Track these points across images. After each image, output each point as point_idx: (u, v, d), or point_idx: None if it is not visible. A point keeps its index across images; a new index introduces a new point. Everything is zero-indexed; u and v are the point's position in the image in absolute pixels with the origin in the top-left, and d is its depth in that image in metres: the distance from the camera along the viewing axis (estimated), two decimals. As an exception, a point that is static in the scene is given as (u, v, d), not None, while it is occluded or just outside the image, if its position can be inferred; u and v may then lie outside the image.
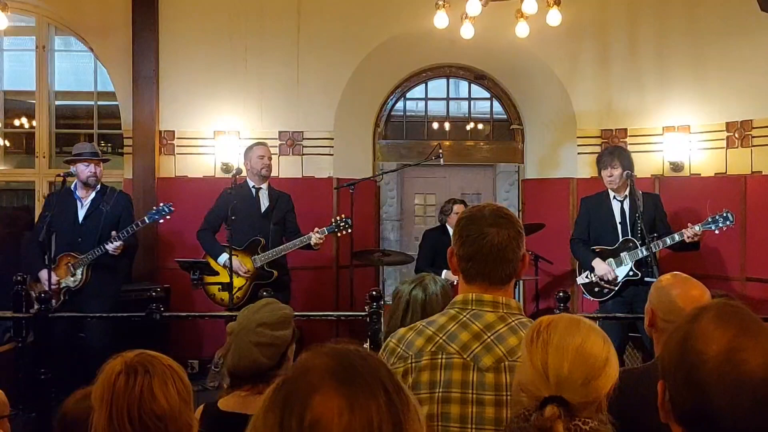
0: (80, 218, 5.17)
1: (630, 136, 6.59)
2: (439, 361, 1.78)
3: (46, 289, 4.78)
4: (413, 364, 1.80)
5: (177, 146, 6.61)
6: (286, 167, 6.63)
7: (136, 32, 6.47)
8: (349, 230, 5.42)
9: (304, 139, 6.68)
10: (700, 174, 6.31)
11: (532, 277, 6.48)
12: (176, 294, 6.04)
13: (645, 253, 4.94)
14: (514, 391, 1.51)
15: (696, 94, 6.29)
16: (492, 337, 1.78)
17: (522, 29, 5.39)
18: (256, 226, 5.36)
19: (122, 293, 5.45)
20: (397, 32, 6.62)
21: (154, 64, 6.49)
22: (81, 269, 5.07)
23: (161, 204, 5.22)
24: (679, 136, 6.37)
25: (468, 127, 7.47)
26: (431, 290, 2.69)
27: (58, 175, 5.03)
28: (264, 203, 5.47)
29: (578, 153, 6.75)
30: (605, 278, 5.07)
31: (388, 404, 0.89)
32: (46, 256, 4.84)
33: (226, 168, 6.50)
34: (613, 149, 5.40)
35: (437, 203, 7.09)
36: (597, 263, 5.11)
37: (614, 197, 5.21)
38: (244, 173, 5.46)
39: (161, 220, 5.23)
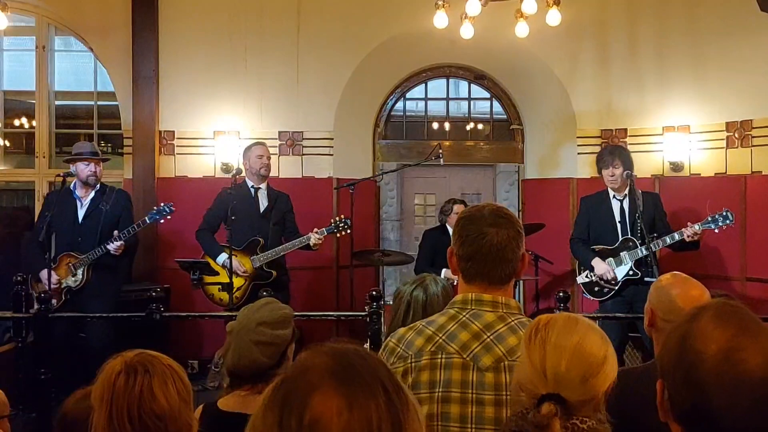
0: (80, 218, 5.17)
1: (630, 136, 6.59)
2: (439, 360, 1.78)
3: (47, 289, 4.78)
4: (413, 364, 1.80)
5: (177, 146, 6.62)
6: (286, 167, 6.63)
7: (136, 32, 6.47)
8: (348, 231, 5.42)
9: (304, 139, 6.69)
10: (700, 174, 6.31)
11: (532, 277, 6.48)
12: (176, 294, 6.04)
13: (645, 252, 4.94)
14: (513, 391, 1.51)
15: (696, 94, 6.29)
16: (491, 337, 1.78)
17: (522, 29, 5.39)
18: (255, 226, 5.36)
19: (122, 293, 5.45)
20: (397, 32, 6.62)
21: (154, 64, 6.49)
22: (82, 269, 5.07)
23: (162, 204, 5.22)
24: (679, 136, 6.37)
25: (468, 127, 7.47)
26: (432, 291, 2.69)
27: (58, 175, 5.02)
28: (263, 203, 5.47)
29: (578, 153, 6.75)
30: (605, 277, 5.07)
31: (387, 403, 0.89)
32: (46, 256, 4.84)
33: (226, 168, 6.50)
34: (614, 148, 5.41)
35: (437, 203, 7.09)
36: (596, 263, 5.11)
37: (614, 196, 5.21)
38: (243, 173, 5.46)
39: (162, 221, 5.23)
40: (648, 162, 6.45)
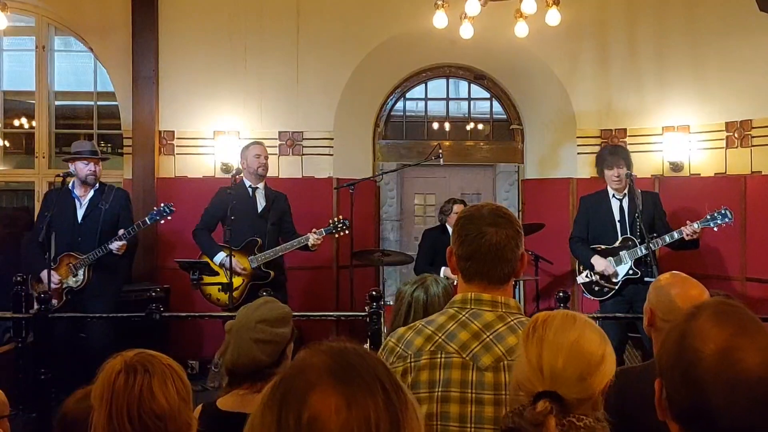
0: (79, 218, 5.15)
1: (630, 136, 6.60)
2: (438, 360, 1.78)
3: (48, 289, 4.78)
4: (412, 364, 1.79)
5: (177, 146, 6.62)
6: (286, 167, 6.64)
7: (136, 32, 6.47)
8: (347, 231, 5.43)
9: (303, 139, 6.69)
10: (699, 174, 6.32)
11: (533, 277, 6.48)
12: (176, 294, 6.04)
13: (644, 251, 4.94)
14: (511, 390, 1.51)
15: (695, 94, 6.29)
16: (491, 337, 1.78)
17: (521, 29, 5.39)
18: (253, 226, 5.34)
19: (122, 293, 5.45)
20: (397, 32, 6.62)
21: (154, 64, 6.50)
22: (83, 269, 5.06)
23: (162, 204, 5.21)
24: (679, 136, 6.37)
25: (468, 127, 7.47)
26: (433, 291, 2.69)
27: (58, 175, 5.00)
28: (260, 203, 5.46)
29: (578, 153, 6.75)
30: (605, 273, 5.07)
31: (385, 402, 0.89)
32: (46, 256, 4.84)
33: (226, 168, 6.50)
34: (615, 149, 5.41)
35: (437, 203, 7.09)
36: (596, 259, 5.12)
37: (613, 196, 5.21)
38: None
39: (162, 221, 5.23)
40: (648, 162, 6.45)
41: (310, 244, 5.26)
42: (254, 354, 2.22)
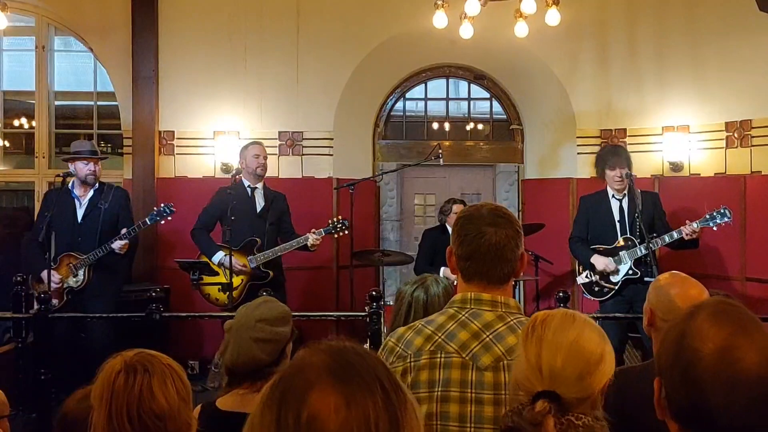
0: (79, 218, 5.15)
1: (629, 136, 6.60)
2: (438, 360, 1.78)
3: (49, 289, 4.78)
4: (412, 363, 1.79)
5: (177, 146, 6.62)
6: (285, 167, 6.64)
7: (136, 32, 6.47)
8: (346, 232, 5.43)
9: (303, 139, 6.69)
10: (699, 174, 6.32)
11: (533, 277, 6.48)
12: (176, 294, 6.04)
13: (644, 251, 4.94)
14: (511, 389, 1.51)
15: (695, 94, 6.29)
16: (491, 336, 1.78)
17: (521, 29, 5.39)
18: (252, 226, 5.35)
19: (122, 293, 5.45)
20: (397, 32, 6.63)
21: (154, 64, 6.50)
22: (83, 269, 5.06)
23: (162, 205, 5.21)
24: (679, 136, 6.38)
25: (468, 127, 7.47)
26: (433, 291, 2.69)
27: (58, 175, 5.00)
28: (259, 203, 5.46)
29: (578, 153, 6.76)
30: (606, 270, 5.06)
31: (385, 401, 0.89)
32: (46, 256, 4.83)
33: (226, 168, 6.50)
34: (616, 149, 5.41)
35: (437, 203, 7.09)
36: (596, 258, 5.11)
37: (613, 196, 5.21)
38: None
39: (162, 221, 5.23)
40: (647, 162, 6.46)
41: (309, 244, 5.27)
42: (254, 353, 2.22)
